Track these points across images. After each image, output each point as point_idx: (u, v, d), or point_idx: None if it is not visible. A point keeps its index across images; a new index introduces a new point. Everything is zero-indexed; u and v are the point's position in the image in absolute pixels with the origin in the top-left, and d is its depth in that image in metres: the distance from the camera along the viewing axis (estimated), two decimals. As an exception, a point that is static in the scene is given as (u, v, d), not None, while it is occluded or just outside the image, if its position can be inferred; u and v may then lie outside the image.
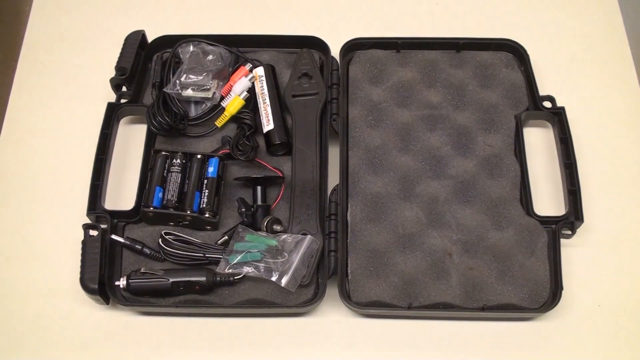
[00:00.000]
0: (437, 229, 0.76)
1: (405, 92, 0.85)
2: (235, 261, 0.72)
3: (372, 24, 0.95)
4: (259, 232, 0.74)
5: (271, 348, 0.73)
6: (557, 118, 0.82)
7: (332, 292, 0.73)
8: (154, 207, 0.75)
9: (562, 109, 0.82)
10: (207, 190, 0.76)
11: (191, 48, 0.84)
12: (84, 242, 0.72)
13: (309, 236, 0.73)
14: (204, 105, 0.83)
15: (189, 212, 0.75)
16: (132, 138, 0.84)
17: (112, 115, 0.82)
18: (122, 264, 0.75)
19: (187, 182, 0.77)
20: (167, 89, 0.80)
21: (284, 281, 0.71)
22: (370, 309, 0.73)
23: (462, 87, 0.85)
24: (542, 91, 0.84)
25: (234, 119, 0.81)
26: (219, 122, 0.81)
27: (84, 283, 0.70)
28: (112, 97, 0.84)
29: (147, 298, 0.73)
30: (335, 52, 0.86)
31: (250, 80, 0.82)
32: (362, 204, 0.77)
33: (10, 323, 0.74)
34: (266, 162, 0.81)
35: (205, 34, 0.85)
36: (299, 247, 0.72)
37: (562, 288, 0.72)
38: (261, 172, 0.80)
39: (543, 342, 0.73)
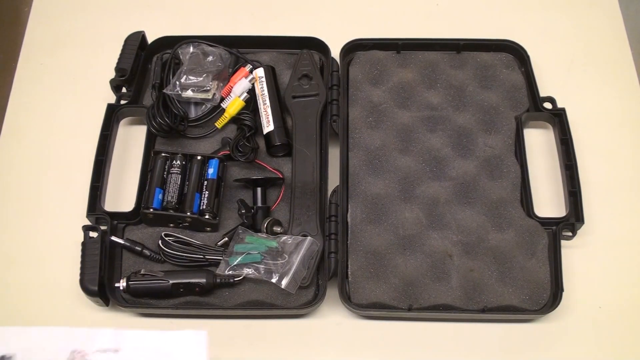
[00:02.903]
0: (438, 230, 0.76)
1: (406, 93, 0.85)
2: (235, 263, 0.72)
3: (373, 25, 0.95)
4: (259, 234, 0.74)
5: (271, 350, 0.73)
6: (558, 119, 0.82)
7: (332, 293, 0.73)
8: (154, 209, 0.75)
9: (563, 110, 0.82)
10: (207, 192, 0.76)
11: (191, 49, 0.83)
12: (83, 244, 0.72)
13: (309, 238, 0.73)
14: (203, 106, 0.83)
15: (189, 214, 0.75)
16: (132, 139, 0.84)
17: (112, 117, 0.82)
18: (122, 266, 0.75)
19: (187, 183, 0.77)
20: (167, 90, 0.80)
21: (284, 283, 0.70)
22: (371, 310, 0.73)
23: (462, 88, 0.85)
24: (543, 92, 0.84)
25: (234, 120, 0.81)
26: (219, 124, 0.81)
27: (84, 285, 0.70)
28: (112, 98, 0.84)
29: (147, 300, 0.73)
30: (335, 53, 0.86)
31: (250, 81, 0.82)
32: (363, 206, 0.77)
33: (10, 324, 0.74)
34: (266, 164, 0.80)
35: (205, 35, 0.85)
36: (299, 248, 0.72)
37: (562, 289, 0.72)
38: (261, 174, 0.80)
39: (543, 344, 0.73)
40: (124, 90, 0.84)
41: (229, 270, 0.72)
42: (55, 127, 0.86)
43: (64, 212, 0.79)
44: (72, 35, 0.93)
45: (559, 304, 0.71)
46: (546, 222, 0.76)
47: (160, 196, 0.75)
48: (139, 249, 0.74)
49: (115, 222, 0.76)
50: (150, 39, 0.87)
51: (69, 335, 0.51)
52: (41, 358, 0.51)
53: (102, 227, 0.74)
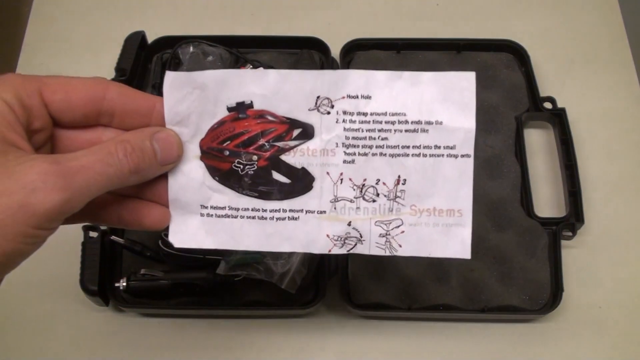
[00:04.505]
0: (438, 230, 0.76)
1: (406, 93, 0.84)
2: (235, 262, 0.71)
3: (373, 24, 0.95)
4: (259, 234, 0.74)
5: (271, 349, 0.73)
6: (558, 119, 0.82)
7: (332, 293, 0.73)
8: (154, 209, 0.75)
9: (563, 110, 0.82)
10: (207, 192, 0.76)
11: (191, 49, 0.83)
12: (83, 244, 0.72)
13: (309, 237, 0.73)
14: (204, 106, 0.82)
15: (188, 214, 0.75)
16: (132, 139, 0.84)
17: (112, 116, 0.81)
18: (121, 265, 0.75)
19: (187, 183, 0.77)
20: (167, 90, 0.80)
21: (284, 282, 0.70)
22: (371, 310, 0.73)
23: (462, 88, 0.85)
24: (543, 92, 0.84)
25: (234, 120, 0.81)
26: (219, 123, 0.81)
27: (84, 284, 0.70)
28: (112, 98, 0.84)
29: (146, 299, 0.73)
30: (335, 53, 0.86)
31: (250, 81, 0.82)
32: (363, 205, 0.77)
33: (10, 324, 0.74)
34: (266, 163, 0.80)
35: (205, 35, 0.85)
36: (300, 248, 0.72)
37: (562, 290, 0.72)
38: (261, 173, 0.80)
39: (544, 344, 0.73)
40: (124, 90, 0.84)
41: (228, 270, 0.72)
42: (55, 127, 0.86)
43: (64, 212, 0.79)
44: (72, 35, 0.93)
45: (559, 304, 0.71)
46: (546, 222, 0.76)
47: (160, 196, 0.75)
48: (139, 248, 0.74)
49: (115, 221, 0.76)
50: (150, 38, 0.87)
51: (313, 80, 0.44)
52: (282, 105, 0.44)
53: (102, 227, 0.74)
